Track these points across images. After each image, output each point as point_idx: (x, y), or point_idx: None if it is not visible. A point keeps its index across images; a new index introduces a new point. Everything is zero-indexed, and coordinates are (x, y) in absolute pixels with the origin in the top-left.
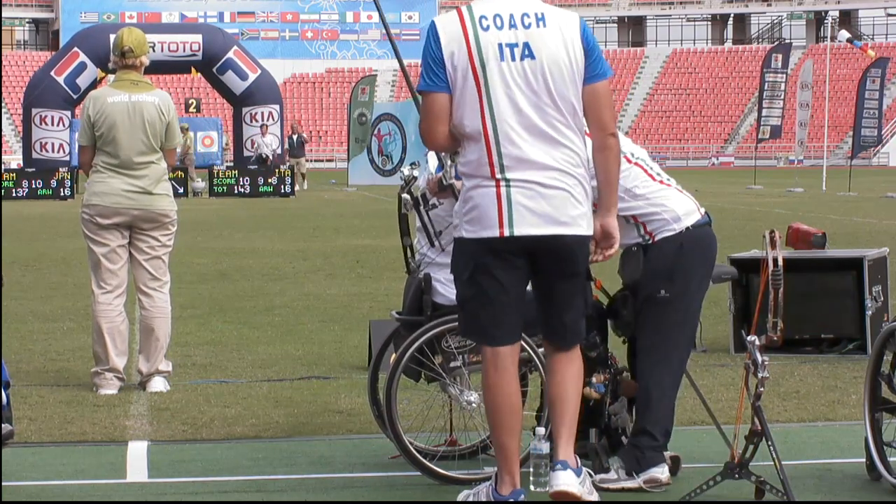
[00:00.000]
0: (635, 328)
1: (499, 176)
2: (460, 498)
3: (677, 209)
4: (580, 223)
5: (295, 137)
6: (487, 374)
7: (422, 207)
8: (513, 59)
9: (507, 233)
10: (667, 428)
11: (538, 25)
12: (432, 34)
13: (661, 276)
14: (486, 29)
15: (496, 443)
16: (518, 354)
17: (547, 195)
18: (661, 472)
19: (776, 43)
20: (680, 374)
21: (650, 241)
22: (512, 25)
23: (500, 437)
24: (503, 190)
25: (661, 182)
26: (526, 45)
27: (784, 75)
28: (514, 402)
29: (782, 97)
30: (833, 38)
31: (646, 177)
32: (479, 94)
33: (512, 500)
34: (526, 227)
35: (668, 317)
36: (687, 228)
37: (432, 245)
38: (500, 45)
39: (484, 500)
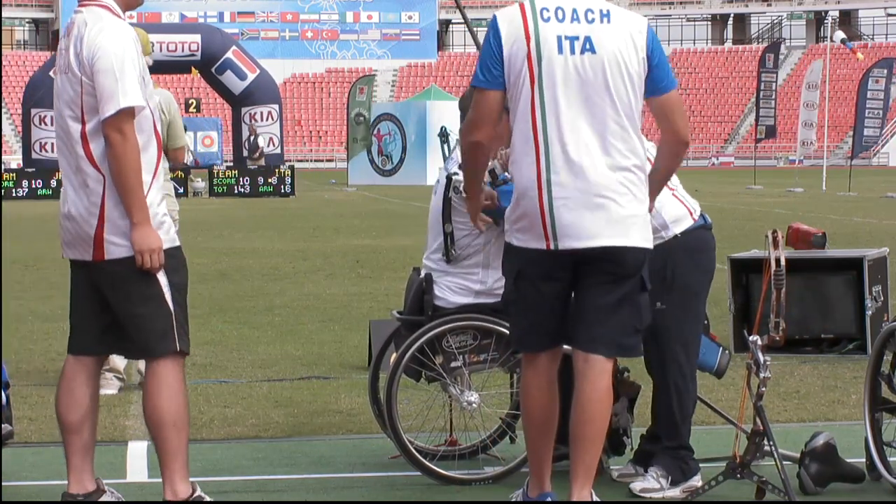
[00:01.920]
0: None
1: (544, 178)
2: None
3: (666, 216)
4: (629, 233)
5: (252, 139)
6: (523, 377)
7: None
8: (572, 52)
9: (552, 246)
10: (689, 433)
11: (602, 21)
12: (493, 29)
13: (656, 286)
14: (547, 21)
15: (527, 445)
16: (558, 361)
17: (593, 204)
18: (698, 480)
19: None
20: (693, 377)
21: None
22: (574, 19)
23: (530, 440)
24: (546, 201)
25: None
26: (588, 38)
27: (775, 74)
28: (546, 406)
29: (773, 97)
30: (832, 39)
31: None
32: (533, 90)
33: (539, 501)
34: (570, 240)
35: (672, 328)
36: (675, 236)
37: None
38: (559, 38)
39: (514, 500)
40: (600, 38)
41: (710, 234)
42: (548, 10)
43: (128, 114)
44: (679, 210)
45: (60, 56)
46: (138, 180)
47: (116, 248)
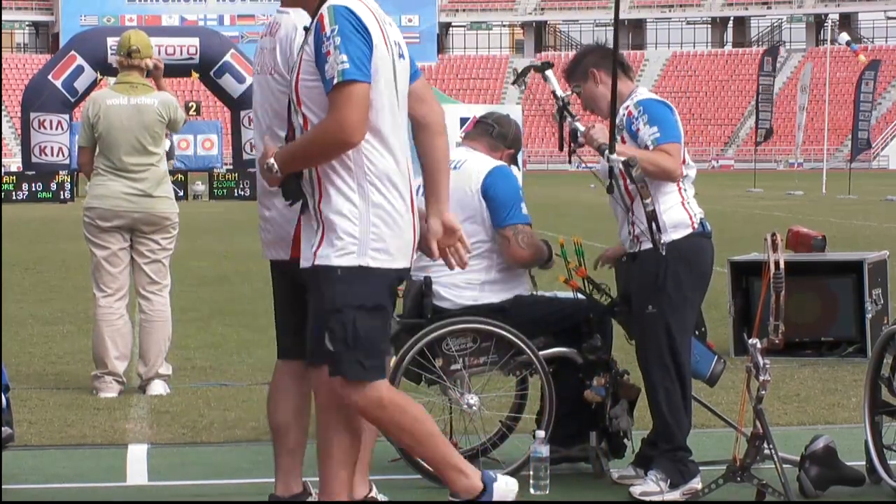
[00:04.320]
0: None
1: (414, 185)
2: None
3: (666, 220)
4: None
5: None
6: (399, 406)
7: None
8: (400, 57)
9: (412, 263)
10: (687, 434)
11: (392, 24)
12: (355, 19)
13: (648, 289)
14: (384, 23)
15: (446, 459)
16: None
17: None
18: (698, 483)
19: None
20: (685, 381)
21: (637, 249)
22: (389, 22)
23: (442, 449)
24: (416, 210)
25: (678, 188)
26: (399, 44)
27: (772, 78)
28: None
29: (771, 99)
30: (833, 41)
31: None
32: (396, 92)
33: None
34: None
35: (660, 333)
36: (670, 242)
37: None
38: (395, 42)
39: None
40: (402, 42)
41: (708, 242)
42: (378, 12)
43: None
44: (681, 218)
45: (261, 55)
46: None
47: None
